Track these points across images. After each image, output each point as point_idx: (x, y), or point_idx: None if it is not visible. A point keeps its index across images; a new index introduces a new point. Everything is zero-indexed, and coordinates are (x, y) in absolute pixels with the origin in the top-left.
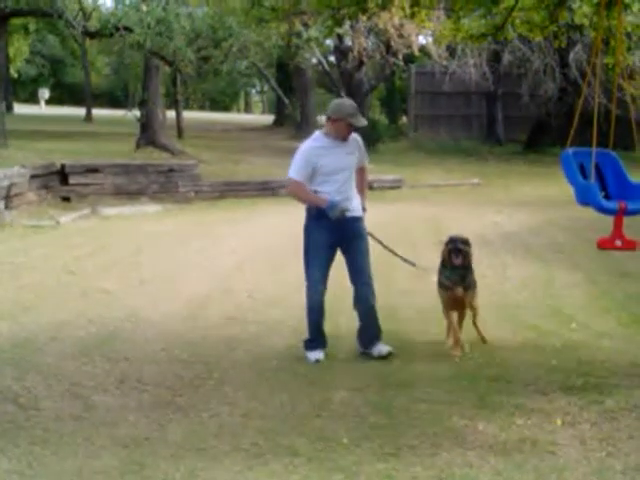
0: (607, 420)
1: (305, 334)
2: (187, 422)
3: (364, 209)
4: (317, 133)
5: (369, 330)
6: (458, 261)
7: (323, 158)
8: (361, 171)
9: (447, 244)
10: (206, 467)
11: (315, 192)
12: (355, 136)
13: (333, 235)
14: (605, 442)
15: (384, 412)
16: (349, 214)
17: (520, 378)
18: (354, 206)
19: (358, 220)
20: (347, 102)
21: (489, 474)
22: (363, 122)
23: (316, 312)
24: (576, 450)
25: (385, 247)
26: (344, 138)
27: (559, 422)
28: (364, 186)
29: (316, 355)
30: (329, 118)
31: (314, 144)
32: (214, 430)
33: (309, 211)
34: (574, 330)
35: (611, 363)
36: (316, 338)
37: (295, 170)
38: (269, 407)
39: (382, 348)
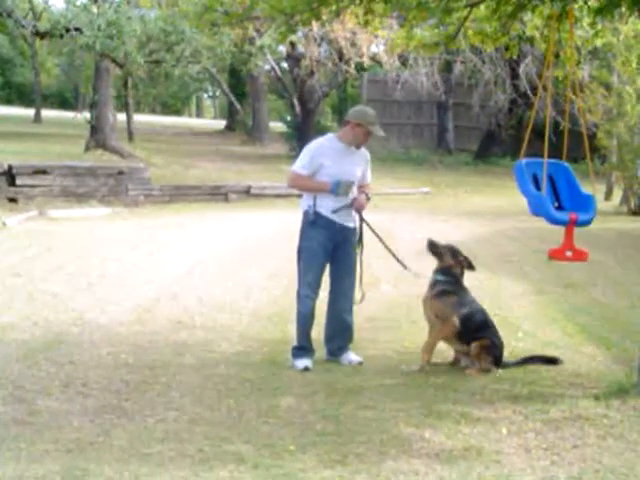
0: (552, 429)
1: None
2: (133, 427)
3: (366, 193)
4: (330, 135)
5: (338, 340)
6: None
7: (329, 159)
8: (364, 187)
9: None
10: (151, 473)
11: (315, 195)
12: (365, 152)
13: (328, 240)
14: (549, 451)
15: (331, 419)
16: (347, 224)
17: (466, 387)
18: (350, 217)
19: (352, 231)
20: (370, 110)
21: None
22: (381, 133)
23: (308, 319)
24: (521, 459)
25: (383, 244)
26: (358, 145)
27: (504, 431)
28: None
29: (305, 362)
30: (348, 122)
31: (324, 143)
32: (160, 435)
33: (306, 215)
34: (520, 339)
35: (556, 373)
36: (305, 345)
37: (300, 164)
38: (216, 413)
39: (353, 357)
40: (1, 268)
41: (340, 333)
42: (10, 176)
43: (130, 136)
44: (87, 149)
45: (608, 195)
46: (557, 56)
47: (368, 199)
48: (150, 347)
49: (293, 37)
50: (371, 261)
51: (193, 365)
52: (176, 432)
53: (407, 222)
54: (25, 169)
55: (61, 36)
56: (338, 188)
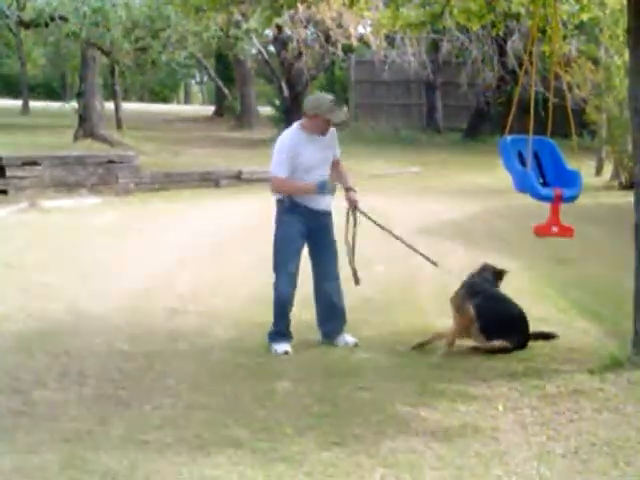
0: (547, 405)
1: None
2: (130, 415)
3: (353, 189)
4: (294, 127)
5: (330, 324)
6: None
7: (301, 154)
8: (338, 163)
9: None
10: (149, 459)
11: None
12: (332, 129)
13: (304, 226)
14: (546, 426)
15: (327, 402)
16: (324, 208)
17: (461, 365)
18: (327, 201)
19: (329, 215)
20: (324, 97)
21: (432, 460)
22: (342, 116)
23: (286, 305)
24: (517, 435)
25: (403, 242)
26: (323, 133)
27: (500, 408)
28: (343, 171)
29: (284, 347)
30: (305, 114)
31: (292, 138)
32: (157, 422)
33: (281, 202)
34: None
35: (550, 348)
36: (282, 330)
37: (278, 166)
38: (212, 399)
39: (349, 339)
40: None
41: (332, 316)
42: (0, 168)
43: (119, 124)
44: (76, 139)
45: (599, 170)
46: (544, 32)
47: (355, 191)
48: (145, 335)
49: (279, 20)
50: (362, 242)
51: (188, 351)
52: (173, 419)
53: (399, 202)
54: (14, 161)
55: (46, 25)
56: (324, 189)
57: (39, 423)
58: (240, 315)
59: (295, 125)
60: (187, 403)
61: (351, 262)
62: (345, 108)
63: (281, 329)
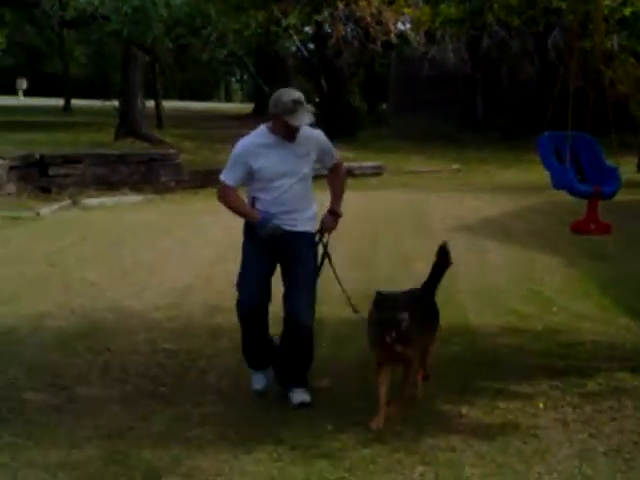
0: (589, 402)
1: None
2: (171, 412)
3: (337, 214)
4: (262, 127)
5: (292, 364)
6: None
7: (261, 159)
8: (333, 171)
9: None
10: (191, 456)
11: (253, 199)
12: (314, 133)
13: (270, 246)
14: (587, 424)
15: (368, 398)
16: (290, 228)
17: (502, 362)
18: (302, 220)
19: (302, 236)
20: (286, 95)
21: (472, 458)
22: (303, 120)
23: (250, 326)
24: (558, 433)
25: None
26: (286, 138)
27: (541, 405)
28: (338, 187)
29: (258, 383)
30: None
31: (254, 141)
32: (198, 419)
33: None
34: (555, 313)
35: (592, 346)
36: (254, 360)
37: (226, 172)
38: (253, 395)
39: (301, 396)
40: (36, 258)
41: (296, 353)
42: (42, 166)
43: (159, 122)
44: (117, 137)
45: None
46: (585, 27)
47: (339, 217)
48: (186, 332)
49: (319, 17)
50: (403, 239)
51: (229, 348)
52: (214, 415)
53: (438, 199)
54: (57, 159)
55: (88, 24)
56: (262, 229)
57: (82, 419)
58: (280, 311)
59: (262, 126)
60: (228, 400)
61: (344, 290)
62: (311, 109)
63: (249, 359)
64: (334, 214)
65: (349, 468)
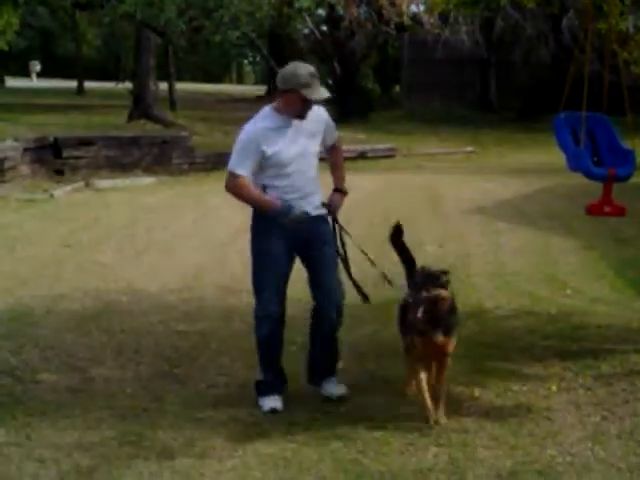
0: (602, 385)
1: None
2: (185, 393)
3: (344, 192)
4: (266, 109)
5: (322, 362)
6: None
7: (273, 143)
8: (335, 150)
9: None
10: (204, 437)
11: (264, 188)
12: (320, 110)
13: (288, 241)
14: (600, 407)
15: (380, 380)
16: (310, 212)
17: (515, 345)
18: (316, 204)
19: (321, 221)
20: (302, 68)
21: (485, 439)
22: (323, 94)
23: (269, 344)
24: (571, 415)
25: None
26: (299, 116)
27: (554, 387)
28: (340, 165)
29: (271, 403)
30: (278, 89)
31: (261, 124)
32: (212, 400)
33: (256, 208)
34: (569, 296)
35: (606, 328)
36: (272, 379)
37: (237, 162)
38: None
39: (334, 388)
40: (50, 239)
41: (327, 351)
42: (56, 148)
43: (172, 105)
44: (130, 119)
45: None
46: (600, 8)
47: (345, 194)
48: (199, 313)
49: None
50: (416, 222)
51: (242, 330)
52: (228, 397)
53: (452, 182)
54: (70, 141)
55: (101, 6)
56: (287, 217)
57: (97, 400)
58: (293, 293)
59: (266, 108)
60: (241, 381)
61: (350, 276)
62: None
63: (268, 377)
64: (341, 192)
65: (362, 450)
